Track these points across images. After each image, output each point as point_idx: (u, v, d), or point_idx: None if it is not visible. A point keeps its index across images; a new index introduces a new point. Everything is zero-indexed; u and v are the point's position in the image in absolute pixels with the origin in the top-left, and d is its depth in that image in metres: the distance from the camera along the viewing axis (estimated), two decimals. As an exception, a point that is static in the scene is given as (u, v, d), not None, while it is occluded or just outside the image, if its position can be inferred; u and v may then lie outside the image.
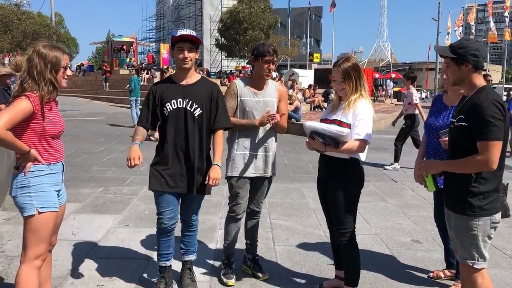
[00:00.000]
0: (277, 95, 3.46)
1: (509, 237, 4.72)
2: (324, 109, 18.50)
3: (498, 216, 2.57)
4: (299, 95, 19.22)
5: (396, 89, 30.22)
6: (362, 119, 2.91)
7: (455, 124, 2.58)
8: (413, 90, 8.34)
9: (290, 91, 17.31)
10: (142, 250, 4.08)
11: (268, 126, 3.37)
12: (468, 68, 2.51)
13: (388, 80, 31.56)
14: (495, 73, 69.36)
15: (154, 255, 3.96)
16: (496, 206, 2.54)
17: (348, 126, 2.93)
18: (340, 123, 2.94)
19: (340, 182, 3.03)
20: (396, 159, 8.28)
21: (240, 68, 42.74)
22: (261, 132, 3.38)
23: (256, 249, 3.73)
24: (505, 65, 48.86)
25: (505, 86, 42.30)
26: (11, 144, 2.40)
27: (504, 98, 18.00)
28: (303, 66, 49.44)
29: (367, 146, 2.99)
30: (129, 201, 5.64)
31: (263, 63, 3.29)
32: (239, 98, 3.35)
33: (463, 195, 2.53)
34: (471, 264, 2.56)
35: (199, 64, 52.15)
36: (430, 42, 34.24)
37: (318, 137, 2.92)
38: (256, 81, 3.41)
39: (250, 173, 3.40)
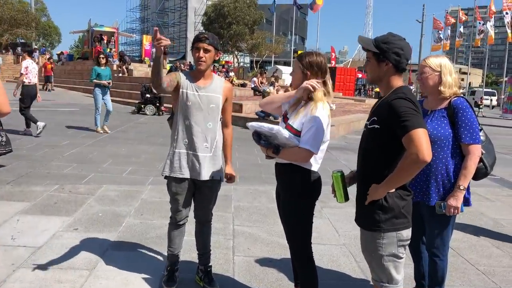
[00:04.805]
0: (222, 93, 3.13)
1: (483, 250, 4.48)
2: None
3: (405, 232, 2.30)
4: (281, 93, 18.92)
5: (378, 89, 30.36)
6: (312, 126, 2.54)
7: (368, 127, 2.34)
8: (25, 62, 9.52)
9: (270, 88, 17.03)
10: (86, 259, 3.69)
11: (211, 124, 3.07)
12: (388, 67, 2.29)
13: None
14: (476, 76, 70.29)
15: (98, 264, 3.61)
16: (401, 221, 2.28)
17: (298, 133, 2.60)
18: (291, 129, 2.62)
19: (287, 196, 2.72)
20: None
21: (223, 62, 42.22)
22: (203, 130, 3.05)
23: (208, 260, 3.41)
24: (485, 69, 49.46)
25: (485, 90, 42.81)
26: None
27: None
28: (287, 63, 49.13)
29: (313, 156, 2.60)
30: (83, 201, 5.23)
31: (194, 51, 2.99)
32: (181, 90, 3.02)
33: (369, 206, 2.31)
34: (380, 287, 2.37)
35: (182, 57, 51.50)
36: (413, 44, 34.56)
37: (255, 136, 2.62)
38: (196, 74, 3.08)
39: (188, 174, 3.08)
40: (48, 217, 4.64)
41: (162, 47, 2.66)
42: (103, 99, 10.76)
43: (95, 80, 10.54)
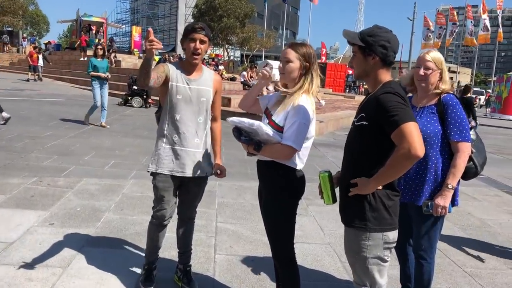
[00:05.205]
0: (212, 85, 3.00)
1: (471, 251, 4.40)
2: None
3: (392, 235, 2.20)
4: (271, 88, 18.69)
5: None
6: (294, 121, 2.41)
7: (356, 124, 2.23)
8: None
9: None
10: (60, 256, 3.53)
11: (202, 119, 2.93)
12: (375, 61, 2.18)
13: None
14: (465, 75, 70.79)
15: (73, 262, 3.46)
16: (387, 221, 2.18)
17: (281, 129, 2.47)
18: (273, 125, 2.48)
19: (269, 195, 2.59)
20: None
21: (213, 55, 41.88)
22: (194, 125, 2.92)
23: (188, 259, 3.28)
24: (474, 68, 49.74)
25: (474, 89, 43.08)
26: None
27: None
28: (278, 58, 48.88)
29: (296, 154, 2.48)
30: (62, 195, 5.05)
31: (189, 42, 2.82)
32: (170, 83, 2.86)
33: (355, 204, 2.21)
34: None
35: (172, 49, 50.97)
36: (404, 41, 34.62)
37: (235, 132, 2.48)
38: (187, 67, 2.92)
39: (178, 172, 2.93)
40: (23, 211, 4.46)
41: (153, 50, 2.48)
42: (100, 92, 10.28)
43: (92, 73, 10.17)
